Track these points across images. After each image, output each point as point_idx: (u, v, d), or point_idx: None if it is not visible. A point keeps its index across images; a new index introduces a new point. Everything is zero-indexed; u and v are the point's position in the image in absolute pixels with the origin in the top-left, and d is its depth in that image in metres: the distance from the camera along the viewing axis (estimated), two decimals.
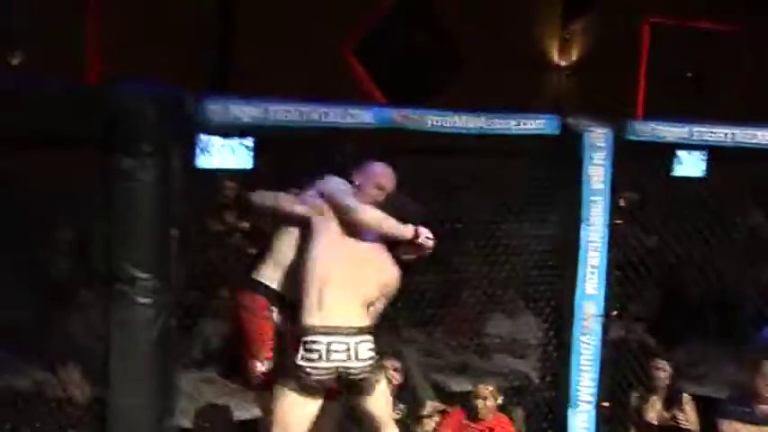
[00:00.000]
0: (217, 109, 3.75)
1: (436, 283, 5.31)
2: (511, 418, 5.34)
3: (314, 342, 3.38)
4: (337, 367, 3.41)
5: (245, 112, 3.83)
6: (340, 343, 3.40)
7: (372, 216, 3.62)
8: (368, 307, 3.58)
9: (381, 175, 3.76)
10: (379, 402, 3.57)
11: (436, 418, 5.21)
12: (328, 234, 3.53)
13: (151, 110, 3.40)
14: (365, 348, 3.45)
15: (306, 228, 3.60)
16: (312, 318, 3.41)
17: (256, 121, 3.85)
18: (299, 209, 3.66)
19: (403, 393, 5.06)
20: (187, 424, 4.37)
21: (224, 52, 9.29)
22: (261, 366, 3.63)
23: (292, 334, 3.47)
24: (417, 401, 5.25)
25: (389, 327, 5.35)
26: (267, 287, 3.68)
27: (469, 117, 4.40)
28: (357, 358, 3.42)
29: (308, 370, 3.38)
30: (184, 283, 3.75)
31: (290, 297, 3.59)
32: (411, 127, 4.27)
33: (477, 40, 10.22)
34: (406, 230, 3.65)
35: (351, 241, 3.58)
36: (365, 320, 3.51)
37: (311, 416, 3.50)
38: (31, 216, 4.25)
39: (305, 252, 3.52)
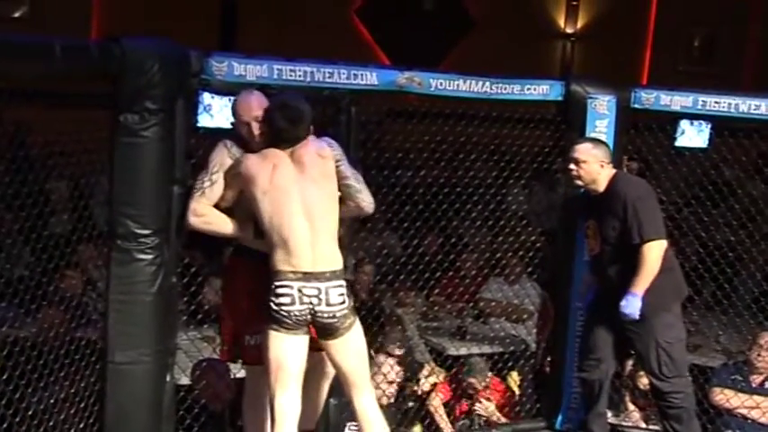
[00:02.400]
0: (222, 67, 3.75)
1: (436, 246, 5.32)
2: (506, 382, 5.39)
3: (285, 287, 3.42)
4: (309, 309, 3.44)
5: (250, 70, 3.82)
6: (312, 288, 3.43)
7: (194, 223, 3.55)
8: (340, 216, 3.56)
9: (237, 106, 3.59)
10: (350, 350, 3.56)
11: (432, 380, 5.26)
12: (260, 184, 3.45)
13: (156, 66, 3.37)
14: (336, 294, 3.46)
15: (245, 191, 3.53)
16: (283, 264, 3.43)
17: (261, 81, 3.84)
18: (229, 194, 3.56)
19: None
20: (185, 381, 4.40)
21: (230, 12, 9.27)
22: (250, 340, 3.64)
23: (268, 278, 3.47)
24: (415, 364, 5.29)
25: (395, 322, 5.39)
26: (244, 248, 3.64)
27: (473, 81, 4.38)
28: (327, 303, 3.45)
29: (282, 313, 3.43)
30: (185, 241, 3.75)
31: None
32: (415, 90, 4.26)
33: (484, 4, 10.18)
34: (238, 231, 3.60)
35: (283, 172, 3.48)
36: (336, 263, 3.50)
37: (302, 352, 3.52)
38: (35, 171, 4.25)
39: (256, 212, 3.49)
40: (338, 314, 3.48)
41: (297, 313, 3.44)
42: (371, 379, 3.85)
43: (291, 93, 3.65)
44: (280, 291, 3.43)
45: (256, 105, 3.57)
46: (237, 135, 3.61)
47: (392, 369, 4.91)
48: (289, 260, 3.44)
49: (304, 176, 3.50)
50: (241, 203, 3.57)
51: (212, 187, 3.55)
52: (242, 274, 3.68)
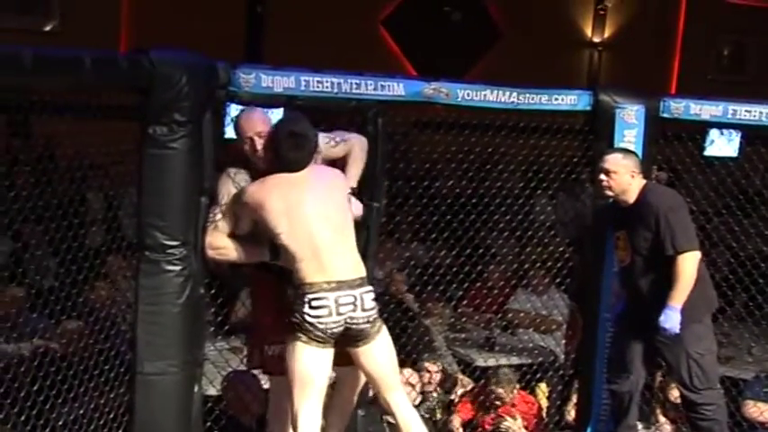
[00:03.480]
0: (249, 78, 3.76)
1: (463, 257, 5.29)
2: (534, 394, 5.36)
3: (321, 298, 3.43)
4: (345, 319, 3.46)
5: (278, 82, 3.84)
6: (347, 296, 3.46)
7: (211, 256, 3.60)
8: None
9: (240, 122, 3.63)
10: (381, 354, 3.58)
11: (460, 391, 5.24)
12: (272, 208, 3.48)
13: (184, 79, 3.39)
14: (369, 298, 3.52)
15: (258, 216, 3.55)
16: (316, 276, 3.45)
17: (288, 92, 3.85)
18: (242, 223, 3.59)
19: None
20: (213, 392, 4.41)
21: (257, 23, 9.32)
22: (268, 350, 3.66)
23: (295, 292, 3.48)
24: (443, 375, 5.28)
25: (425, 333, 5.38)
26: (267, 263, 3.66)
27: (501, 91, 4.37)
28: (363, 309, 3.49)
29: (317, 325, 3.43)
30: None
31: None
32: (442, 100, 4.25)
33: (511, 15, 10.17)
34: (256, 255, 3.62)
35: (295, 191, 3.51)
36: (363, 269, 3.57)
37: (329, 365, 3.53)
38: (65, 184, 4.28)
39: (272, 234, 3.51)
40: (371, 318, 3.52)
41: (332, 325, 3.45)
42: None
43: (296, 116, 3.67)
44: (315, 303, 3.43)
45: (259, 121, 3.62)
46: (239, 151, 3.64)
47: (431, 383, 4.94)
48: (322, 270, 3.46)
49: (316, 192, 3.55)
50: (255, 229, 3.60)
51: (224, 219, 3.60)
52: (265, 285, 3.71)
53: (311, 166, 3.61)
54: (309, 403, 3.50)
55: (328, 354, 3.50)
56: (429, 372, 5.06)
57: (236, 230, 3.62)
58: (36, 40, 8.14)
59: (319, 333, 3.44)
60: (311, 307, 3.43)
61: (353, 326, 3.49)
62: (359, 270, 3.54)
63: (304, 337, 3.46)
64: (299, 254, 3.47)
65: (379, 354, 3.58)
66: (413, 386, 4.91)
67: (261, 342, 3.73)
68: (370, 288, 3.55)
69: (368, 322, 3.51)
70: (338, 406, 3.88)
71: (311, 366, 3.48)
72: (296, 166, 3.55)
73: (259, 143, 3.59)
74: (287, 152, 3.53)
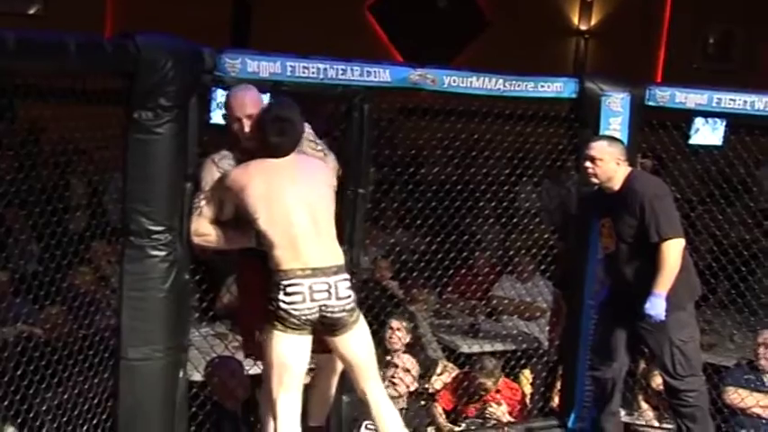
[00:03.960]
0: (235, 64, 3.75)
1: (448, 244, 5.31)
2: (518, 380, 5.39)
3: (296, 285, 3.42)
4: (320, 306, 3.45)
5: (264, 67, 3.83)
6: (322, 283, 3.45)
7: (197, 242, 3.60)
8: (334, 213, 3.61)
9: (231, 101, 3.60)
10: (359, 343, 3.58)
11: (444, 378, 5.26)
12: (253, 192, 3.47)
13: (170, 63, 3.38)
14: (344, 287, 3.49)
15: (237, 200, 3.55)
16: (290, 263, 3.44)
17: (274, 77, 3.84)
18: (226, 208, 3.58)
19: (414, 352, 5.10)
20: (198, 377, 4.42)
21: (243, 9, 9.29)
22: (259, 336, 3.65)
23: (271, 279, 3.47)
24: (428, 361, 5.29)
25: (410, 319, 5.38)
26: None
27: (487, 78, 4.37)
28: (337, 297, 3.47)
29: (292, 312, 3.43)
30: None
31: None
32: (428, 87, 4.25)
33: (498, 2, 10.17)
34: (241, 241, 3.62)
35: (276, 177, 3.51)
36: (340, 257, 3.54)
37: (306, 352, 3.53)
38: (48, 168, 4.26)
39: (252, 219, 3.50)
40: (347, 307, 3.50)
41: (306, 312, 3.44)
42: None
43: (285, 102, 3.65)
44: (290, 289, 3.43)
45: (250, 103, 3.59)
46: (229, 129, 3.63)
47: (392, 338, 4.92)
48: (297, 257, 3.45)
49: (298, 178, 3.53)
50: (239, 214, 3.59)
51: (208, 205, 3.60)
52: (253, 271, 3.70)
53: (299, 154, 3.60)
54: (288, 391, 3.51)
55: (305, 341, 3.50)
56: (391, 328, 5.00)
57: (221, 216, 3.61)
58: (20, 23, 8.08)
59: (294, 320, 3.44)
60: (286, 294, 3.43)
61: (328, 314, 3.47)
62: (336, 258, 3.52)
63: (280, 326, 3.46)
64: (275, 240, 3.46)
65: (356, 343, 3.58)
66: (408, 371, 4.89)
67: (251, 328, 3.73)
68: (347, 276, 3.53)
69: (344, 311, 3.49)
70: (319, 393, 3.89)
71: (289, 355, 3.48)
72: (279, 151, 3.54)
73: (247, 125, 3.58)
74: (270, 137, 3.52)
